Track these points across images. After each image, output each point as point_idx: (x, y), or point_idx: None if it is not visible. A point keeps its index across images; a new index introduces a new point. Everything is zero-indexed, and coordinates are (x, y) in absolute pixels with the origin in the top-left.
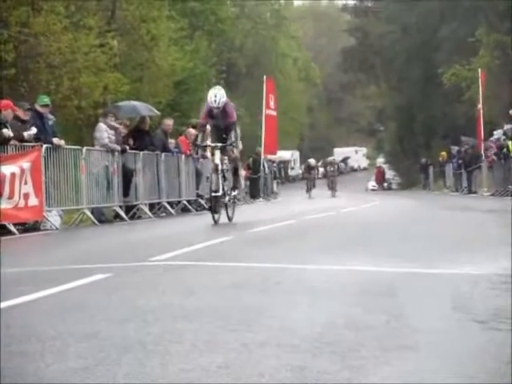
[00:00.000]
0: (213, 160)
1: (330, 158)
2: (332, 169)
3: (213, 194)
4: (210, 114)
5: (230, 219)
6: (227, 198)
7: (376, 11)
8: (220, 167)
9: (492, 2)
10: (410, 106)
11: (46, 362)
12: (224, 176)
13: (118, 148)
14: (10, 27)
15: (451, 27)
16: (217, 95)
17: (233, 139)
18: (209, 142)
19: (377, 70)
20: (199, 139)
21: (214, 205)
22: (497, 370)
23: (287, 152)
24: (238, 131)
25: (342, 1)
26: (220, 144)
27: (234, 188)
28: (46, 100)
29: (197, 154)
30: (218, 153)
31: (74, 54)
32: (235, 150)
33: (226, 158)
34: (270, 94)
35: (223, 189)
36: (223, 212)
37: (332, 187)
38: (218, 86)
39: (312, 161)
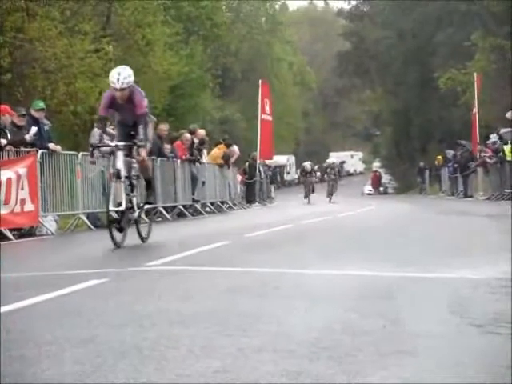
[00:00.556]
0: (114, 164)
1: (330, 161)
2: (333, 172)
3: (112, 208)
4: (113, 103)
5: (143, 240)
6: (137, 213)
7: (371, 16)
8: (123, 173)
9: (488, 6)
10: (406, 111)
11: (42, 366)
12: (131, 184)
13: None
14: (5, 33)
15: (447, 32)
16: (121, 73)
17: (141, 136)
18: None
19: (372, 75)
20: (94, 137)
21: (119, 222)
22: (496, 375)
23: (283, 157)
24: (150, 126)
25: (338, 2)
26: (122, 143)
27: (147, 199)
28: (42, 104)
29: (92, 156)
30: (120, 155)
31: (69, 59)
32: (143, 151)
33: (133, 161)
34: (265, 99)
35: (130, 201)
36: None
37: (330, 192)
38: (124, 66)
39: (307, 165)
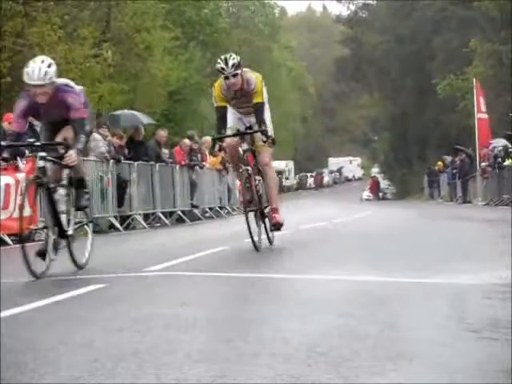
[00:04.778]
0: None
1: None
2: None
3: (34, 227)
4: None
5: (79, 266)
6: (70, 230)
7: (370, 21)
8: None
9: (486, 12)
10: (403, 116)
11: (39, 372)
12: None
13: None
14: (4, 38)
15: (445, 37)
16: (45, 62)
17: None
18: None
19: (370, 80)
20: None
21: (45, 245)
22: (493, 380)
23: (281, 162)
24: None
25: (337, 8)
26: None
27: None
28: None
29: None
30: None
31: (68, 64)
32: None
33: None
34: None
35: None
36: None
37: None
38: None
39: None
